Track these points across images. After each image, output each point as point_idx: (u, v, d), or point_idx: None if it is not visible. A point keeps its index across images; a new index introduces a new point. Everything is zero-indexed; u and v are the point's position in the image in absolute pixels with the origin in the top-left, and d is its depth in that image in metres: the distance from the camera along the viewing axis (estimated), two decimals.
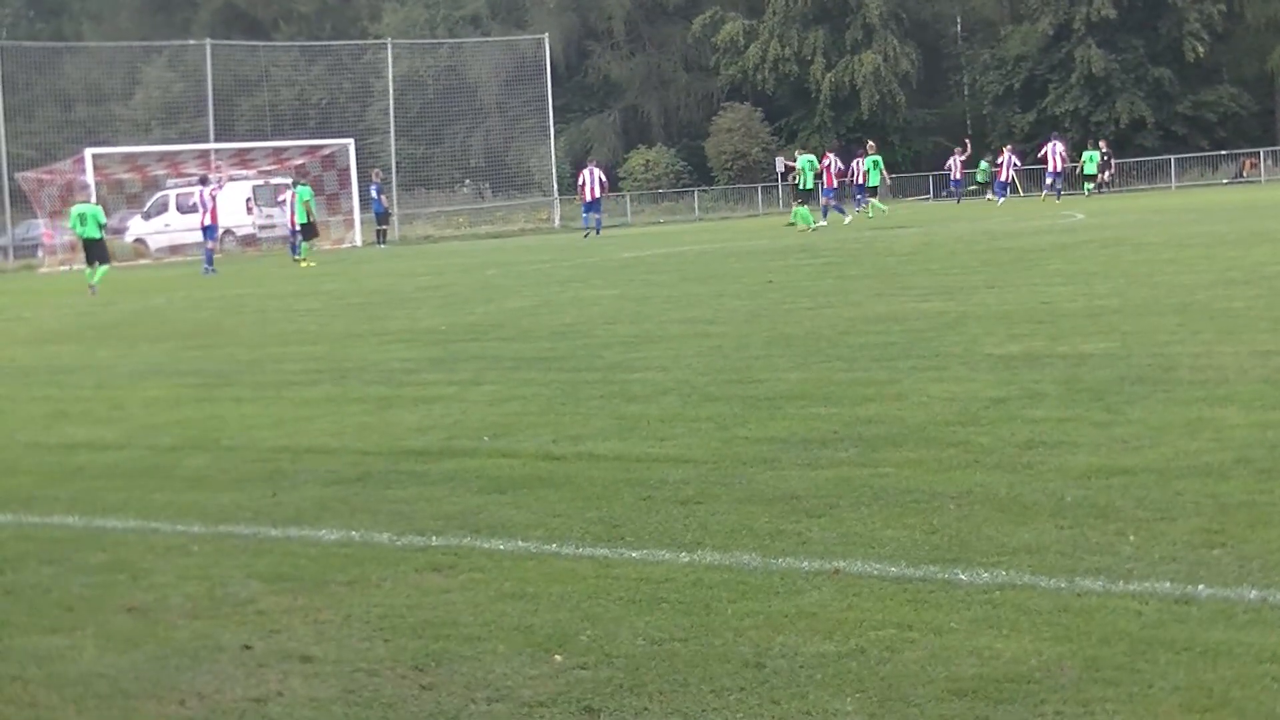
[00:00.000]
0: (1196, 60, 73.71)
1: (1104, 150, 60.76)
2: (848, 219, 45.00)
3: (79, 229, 34.18)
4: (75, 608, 6.48)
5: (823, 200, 45.19)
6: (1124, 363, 11.31)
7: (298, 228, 43.34)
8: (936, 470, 7.96)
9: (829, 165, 45.93)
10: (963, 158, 61.14)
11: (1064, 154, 56.01)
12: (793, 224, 42.38)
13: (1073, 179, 59.91)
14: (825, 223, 43.34)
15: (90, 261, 33.77)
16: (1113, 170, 62.09)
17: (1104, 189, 60.73)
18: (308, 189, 43.55)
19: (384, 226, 54.45)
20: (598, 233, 48.55)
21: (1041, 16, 75.44)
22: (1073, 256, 23.42)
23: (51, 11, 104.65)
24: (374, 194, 52.82)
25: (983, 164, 62.49)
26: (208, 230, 41.37)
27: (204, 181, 43.79)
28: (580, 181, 50.39)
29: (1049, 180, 55.62)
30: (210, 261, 40.04)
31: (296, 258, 42.23)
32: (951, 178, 61.87)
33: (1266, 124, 68.66)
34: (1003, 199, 56.28)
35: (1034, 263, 22.62)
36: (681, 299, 20.23)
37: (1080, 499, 7.11)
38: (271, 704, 5.08)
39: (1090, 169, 59.17)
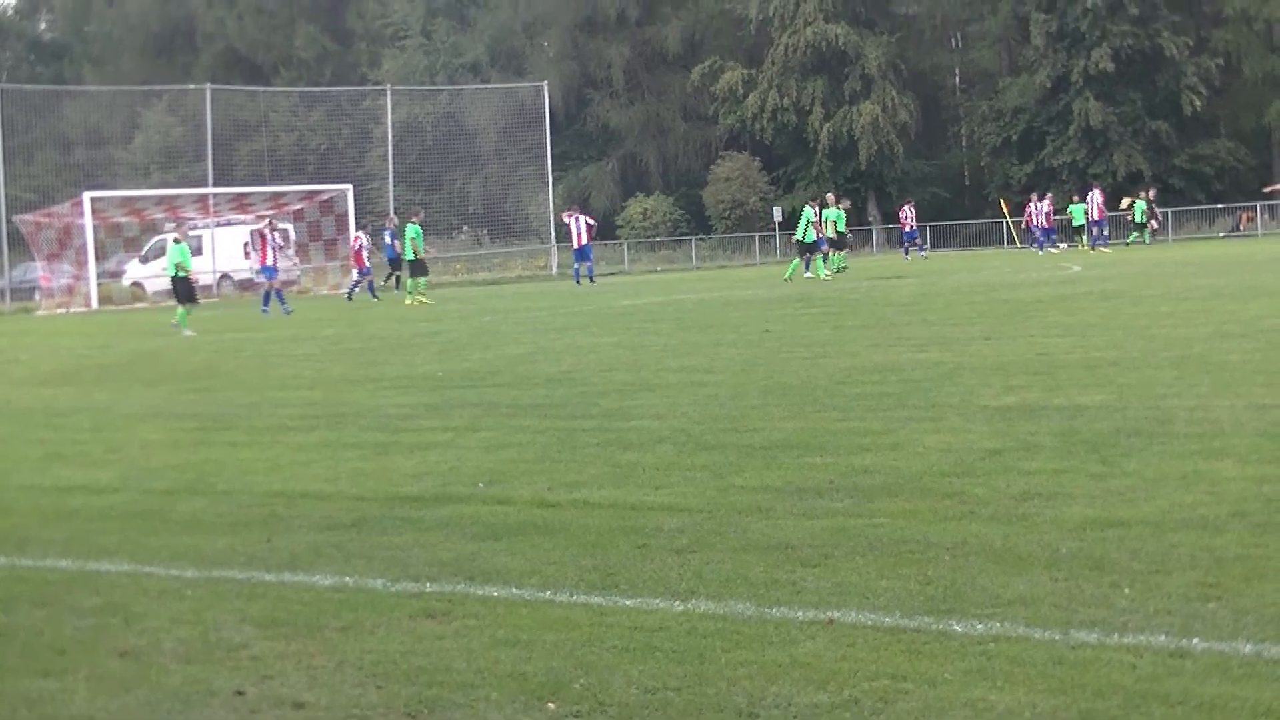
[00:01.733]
0: (1194, 114, 73.99)
1: (1150, 199, 59.72)
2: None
3: (177, 270, 33.50)
4: (68, 651, 6.48)
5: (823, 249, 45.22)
6: (1120, 415, 11.33)
7: (391, 264, 45.45)
8: (931, 521, 7.97)
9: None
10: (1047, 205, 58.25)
11: (1101, 204, 55.54)
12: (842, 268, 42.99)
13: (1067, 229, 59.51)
14: (810, 274, 43.34)
15: (183, 300, 33.03)
16: (1159, 219, 61.18)
17: (1155, 237, 60.02)
18: (416, 227, 42.85)
19: (397, 272, 54.44)
20: (591, 281, 48.26)
21: (1039, 69, 75.72)
22: (1070, 308, 23.46)
23: (53, 55, 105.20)
24: (387, 239, 52.87)
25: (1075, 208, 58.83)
26: (266, 270, 40.82)
27: (264, 221, 43.86)
28: (565, 229, 50.41)
29: (1094, 230, 55.01)
30: (267, 302, 39.34)
31: (374, 297, 43.81)
32: (1039, 226, 58.23)
33: (1263, 178, 68.78)
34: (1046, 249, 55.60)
35: (1031, 314, 22.65)
36: (678, 347, 20.25)
37: (1075, 551, 7.12)
38: None
39: (1139, 218, 58.50)
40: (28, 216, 56.96)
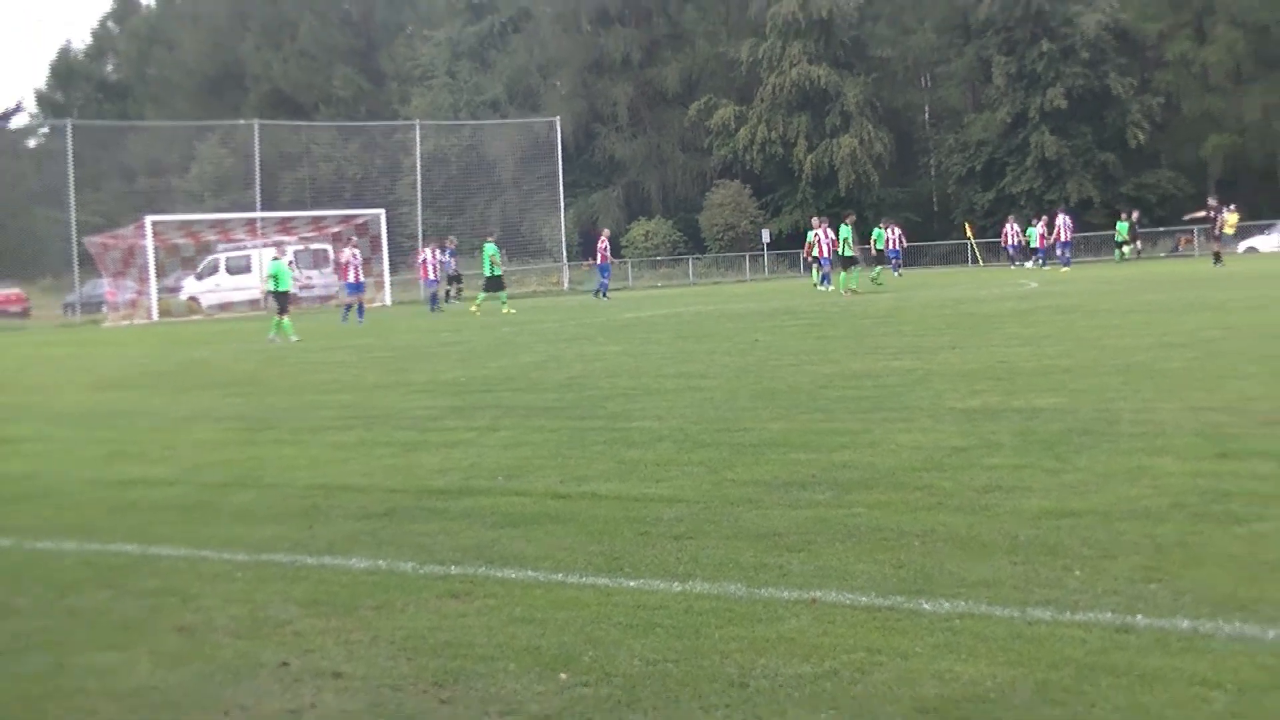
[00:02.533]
0: (1138, 146, 74.22)
1: (1134, 220, 58.44)
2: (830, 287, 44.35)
3: (275, 284, 32.98)
4: (130, 627, 6.49)
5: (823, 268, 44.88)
6: (1072, 416, 11.33)
7: (450, 279, 45.85)
8: (904, 511, 7.97)
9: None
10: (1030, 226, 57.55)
11: (1069, 226, 55.03)
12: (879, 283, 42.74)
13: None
14: (829, 287, 43.06)
15: (280, 312, 32.47)
16: (1138, 242, 59.66)
17: (1138, 255, 58.97)
18: (493, 245, 42.48)
19: (457, 285, 54.28)
20: (603, 296, 48.14)
21: (1000, 106, 75.93)
22: (1028, 321, 23.44)
23: (118, 94, 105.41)
24: (447, 257, 52.84)
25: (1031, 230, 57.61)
26: (354, 286, 40.58)
27: (347, 243, 43.38)
28: (600, 247, 50.25)
29: (1060, 251, 54.38)
30: (361, 313, 39.21)
31: (435, 309, 43.68)
32: (1014, 245, 57.72)
33: (1200, 204, 68.72)
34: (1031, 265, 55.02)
35: (993, 326, 22.64)
36: (677, 355, 20.24)
37: (1032, 538, 7.12)
38: (305, 716, 5.09)
39: (1120, 237, 57.62)
40: (96, 238, 57.01)
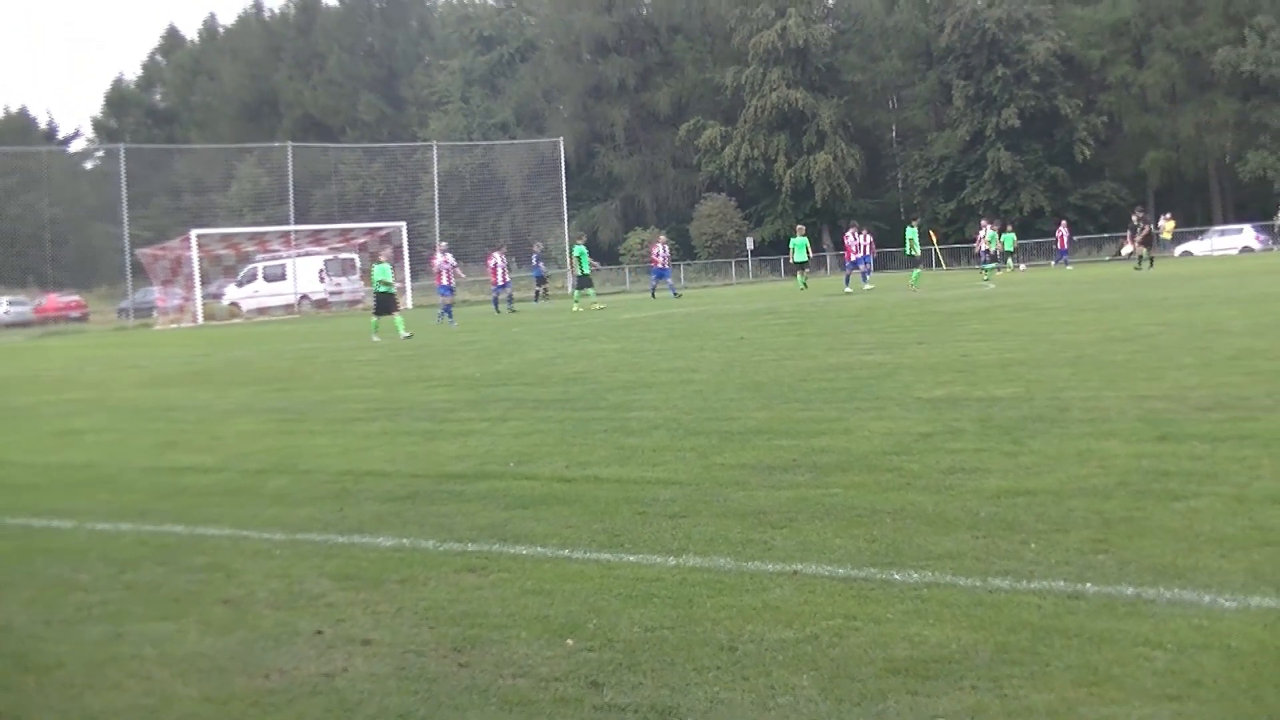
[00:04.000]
0: (1084, 161, 74.63)
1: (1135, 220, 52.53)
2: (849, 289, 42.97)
3: (379, 285, 31.33)
4: (181, 600, 6.49)
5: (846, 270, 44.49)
6: (1027, 405, 11.33)
7: (537, 280, 47.86)
8: (876, 491, 7.97)
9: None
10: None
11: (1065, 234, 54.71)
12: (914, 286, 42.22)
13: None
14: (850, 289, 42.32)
15: (379, 312, 31.12)
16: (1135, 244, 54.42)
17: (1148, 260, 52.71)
18: (581, 247, 42.09)
19: (542, 287, 54.29)
20: (655, 295, 47.20)
21: (960, 125, 76.23)
22: (988, 319, 23.45)
23: (165, 120, 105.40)
24: (534, 261, 52.97)
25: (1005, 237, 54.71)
26: (445, 289, 39.09)
27: (443, 251, 42.09)
28: (655, 252, 49.65)
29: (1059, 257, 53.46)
30: (449, 313, 37.30)
31: (511, 310, 42.61)
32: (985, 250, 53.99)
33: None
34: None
35: (956, 324, 22.64)
36: (670, 352, 20.23)
37: (991, 514, 7.12)
38: (338, 679, 5.09)
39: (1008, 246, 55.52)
40: (146, 250, 57.12)
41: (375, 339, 29.60)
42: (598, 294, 46.62)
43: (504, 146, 78.97)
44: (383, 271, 31.38)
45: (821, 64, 79.00)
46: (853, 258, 44.91)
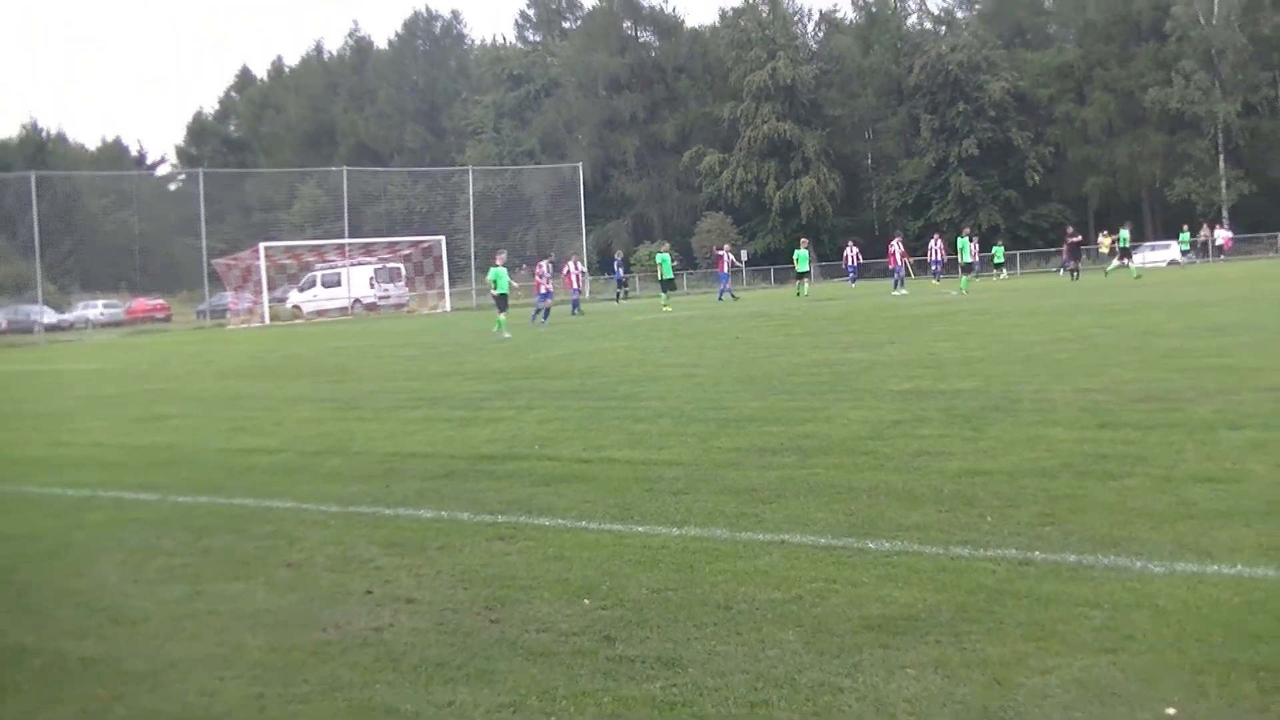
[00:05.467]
0: (1034, 185, 74.75)
1: (1111, 238, 50.01)
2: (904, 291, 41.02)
3: (495, 287, 30.07)
4: (249, 563, 6.51)
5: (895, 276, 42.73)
6: (985, 396, 11.32)
7: (618, 284, 48.28)
8: (853, 471, 7.96)
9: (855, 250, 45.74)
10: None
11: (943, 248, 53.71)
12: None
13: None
14: (905, 291, 40.60)
15: (501, 310, 29.68)
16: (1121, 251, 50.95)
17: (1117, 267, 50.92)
18: (665, 256, 41.40)
19: (623, 289, 54.21)
20: (730, 297, 45.34)
21: (927, 153, 76.28)
22: (951, 322, 23.42)
23: (238, 147, 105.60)
24: (615, 267, 53.00)
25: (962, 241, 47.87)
26: (544, 295, 36.47)
27: (542, 258, 41.12)
28: (718, 255, 48.29)
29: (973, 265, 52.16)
30: (545, 316, 34.60)
31: (502, 323, 38.83)
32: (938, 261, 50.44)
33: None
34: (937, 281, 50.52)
35: (924, 326, 22.62)
36: (674, 350, 20.24)
37: (953, 491, 7.12)
38: (385, 632, 5.10)
39: (1123, 245, 50.14)
40: (221, 260, 57.20)
41: (506, 335, 27.64)
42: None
43: (530, 171, 78.95)
44: (498, 275, 30.13)
45: (806, 100, 78.91)
46: (894, 265, 43.31)
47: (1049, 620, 4.69)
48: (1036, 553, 5.68)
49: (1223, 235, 65.37)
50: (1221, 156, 71.81)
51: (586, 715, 4.03)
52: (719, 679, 4.28)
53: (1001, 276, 55.16)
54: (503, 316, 29.25)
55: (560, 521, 7.05)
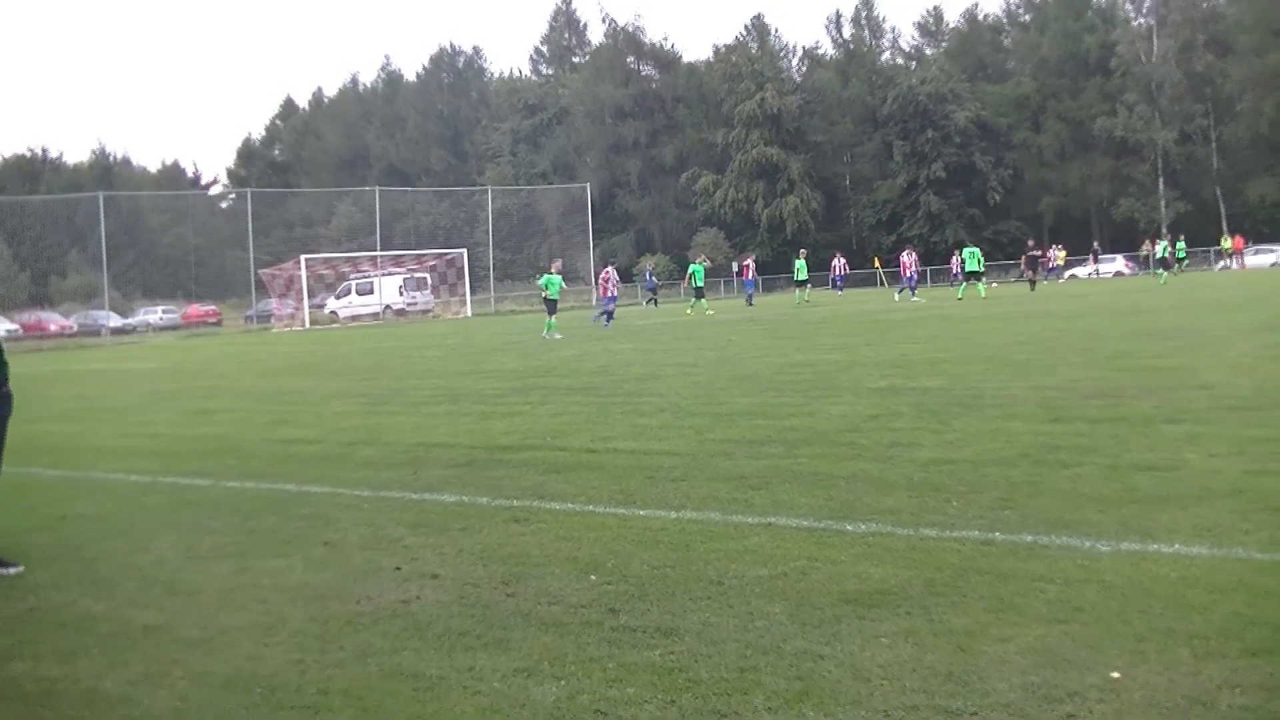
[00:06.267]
0: (995, 204, 74.78)
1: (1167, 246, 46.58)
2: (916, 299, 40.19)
3: (546, 291, 29.30)
4: (291, 541, 6.50)
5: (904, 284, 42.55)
6: (950, 393, 11.32)
7: (650, 291, 47.35)
8: (833, 460, 7.96)
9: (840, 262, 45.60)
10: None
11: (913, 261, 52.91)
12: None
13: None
14: (918, 299, 39.93)
15: (550, 314, 28.98)
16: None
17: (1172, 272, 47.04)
18: (700, 266, 40.82)
19: (654, 296, 53.63)
20: (750, 303, 45.29)
21: (899, 175, 76.28)
22: (921, 326, 23.43)
23: (282, 169, 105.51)
24: (647, 276, 52.51)
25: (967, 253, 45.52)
26: (610, 299, 35.71)
27: (608, 264, 39.89)
28: (744, 265, 47.73)
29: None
30: (609, 319, 33.15)
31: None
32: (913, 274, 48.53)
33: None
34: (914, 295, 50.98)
35: (896, 330, 22.63)
36: (673, 351, 20.24)
37: (923, 479, 7.12)
38: (413, 604, 5.09)
39: (1161, 254, 47.65)
40: (266, 270, 57.26)
41: (557, 336, 27.08)
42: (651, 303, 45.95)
43: (543, 190, 78.94)
44: (549, 280, 29.46)
45: (791, 127, 78.75)
46: (906, 274, 43.05)
47: (1008, 594, 4.69)
48: (997, 534, 5.67)
49: (1160, 248, 65.36)
50: (1161, 179, 72.32)
51: (593, 679, 4.02)
52: (712, 647, 4.28)
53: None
54: (552, 319, 28.63)
55: (570, 505, 7.05)
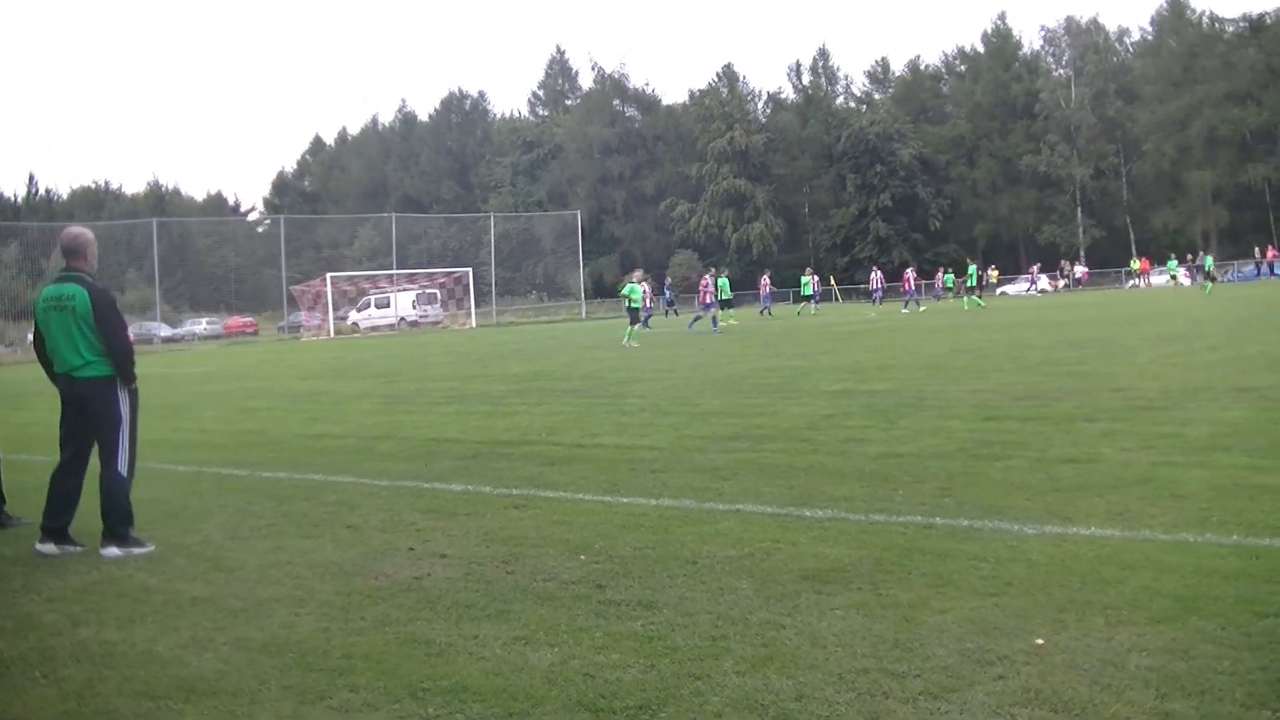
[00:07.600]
0: (936, 230, 75.11)
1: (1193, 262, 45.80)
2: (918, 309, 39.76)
3: (628, 300, 27.06)
4: (320, 524, 6.47)
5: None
6: (897, 395, 11.35)
7: (666, 304, 44.93)
8: (794, 454, 7.97)
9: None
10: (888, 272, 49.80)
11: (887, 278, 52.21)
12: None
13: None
14: (910, 310, 39.68)
15: (632, 323, 26.39)
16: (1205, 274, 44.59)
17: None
18: (725, 280, 37.59)
19: (670, 307, 51.41)
20: (692, 327, 41.53)
21: (852, 204, 76.54)
22: (872, 337, 23.49)
23: (311, 198, 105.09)
24: (665, 290, 50.05)
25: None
26: (706, 306, 33.38)
27: (706, 272, 37.24)
28: (703, 285, 38.80)
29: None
30: (715, 323, 31.29)
31: (632, 333, 28.41)
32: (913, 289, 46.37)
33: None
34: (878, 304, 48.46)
35: (850, 340, 22.68)
36: (653, 358, 20.23)
37: (873, 471, 7.13)
38: (425, 580, 5.08)
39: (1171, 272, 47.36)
40: (297, 287, 57.07)
41: (634, 344, 24.51)
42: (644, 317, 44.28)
43: (539, 217, 78.78)
44: (632, 289, 27.26)
45: (757, 162, 78.91)
46: (906, 289, 42.00)
47: (946, 571, 4.70)
48: (937, 518, 5.69)
49: (1080, 270, 66.50)
50: (1079, 209, 73.19)
51: (583, 646, 4.02)
52: (687, 618, 4.27)
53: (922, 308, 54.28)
54: (636, 327, 26.30)
55: (562, 494, 7.04)
